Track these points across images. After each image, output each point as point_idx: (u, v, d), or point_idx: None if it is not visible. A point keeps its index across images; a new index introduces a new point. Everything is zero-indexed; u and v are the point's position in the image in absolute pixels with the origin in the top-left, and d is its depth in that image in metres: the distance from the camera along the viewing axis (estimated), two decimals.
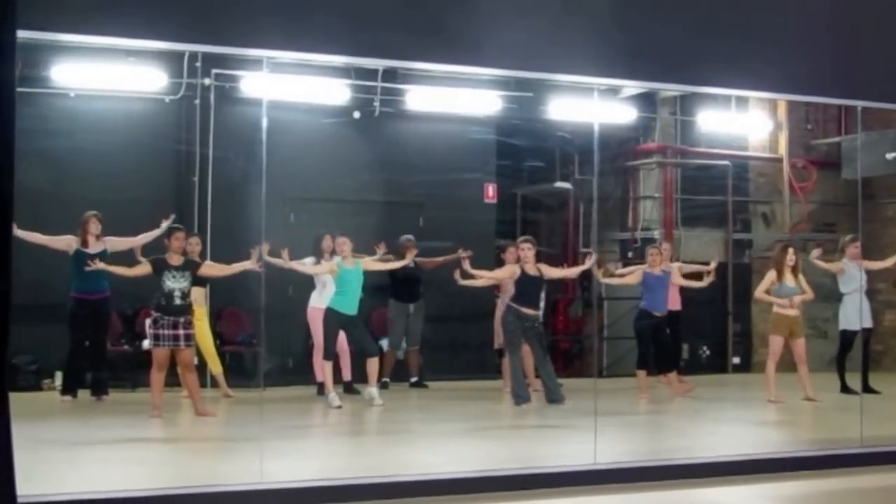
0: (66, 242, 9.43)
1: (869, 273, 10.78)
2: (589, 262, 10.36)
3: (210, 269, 9.24)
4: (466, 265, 10.03)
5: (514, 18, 6.39)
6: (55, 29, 5.53)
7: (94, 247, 9.45)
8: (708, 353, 13.94)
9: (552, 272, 10.12)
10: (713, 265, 11.14)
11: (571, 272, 11.03)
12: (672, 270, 10.88)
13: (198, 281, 9.15)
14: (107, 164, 10.70)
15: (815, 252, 10.68)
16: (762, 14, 7.05)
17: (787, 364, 10.52)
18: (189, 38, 6.06)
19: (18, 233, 7.85)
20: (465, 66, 7.14)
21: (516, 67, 6.78)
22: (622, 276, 10.97)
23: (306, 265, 9.93)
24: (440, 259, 11.03)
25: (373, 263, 9.84)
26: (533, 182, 14.20)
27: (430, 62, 6.91)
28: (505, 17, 6.36)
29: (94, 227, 9.47)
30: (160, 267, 8.69)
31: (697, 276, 11.19)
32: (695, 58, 6.96)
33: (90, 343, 9.73)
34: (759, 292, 10.72)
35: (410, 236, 11.19)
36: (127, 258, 9.39)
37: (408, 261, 10.31)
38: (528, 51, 6.45)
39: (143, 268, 8.81)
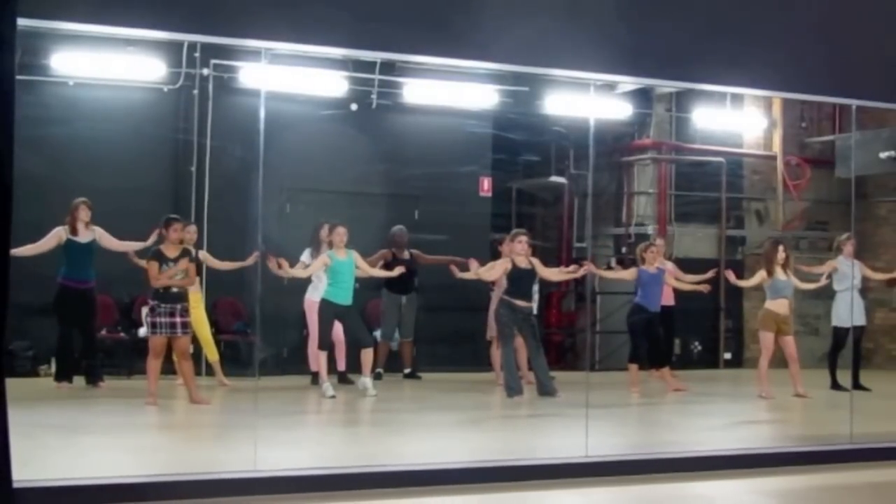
0: (56, 238, 9.39)
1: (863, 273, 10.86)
2: (582, 271, 10.36)
3: (206, 259, 9.33)
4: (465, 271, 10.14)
5: (517, 14, 6.42)
6: (55, 18, 5.54)
7: (83, 235, 9.47)
8: (700, 348, 14.00)
9: (544, 272, 10.14)
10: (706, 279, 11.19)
11: (562, 276, 10.78)
12: (667, 269, 10.90)
13: None
14: (105, 152, 10.73)
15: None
16: (759, 12, 7.08)
17: (779, 360, 10.56)
18: (189, 28, 6.08)
19: (14, 252, 7.87)
20: (465, 61, 7.18)
21: (518, 62, 6.79)
22: (619, 272, 10.91)
23: (303, 264, 9.98)
24: (436, 258, 11.08)
25: (365, 266, 9.88)
26: (528, 176, 14.24)
27: (430, 56, 6.91)
28: (507, 12, 6.38)
29: (84, 214, 9.47)
30: (158, 258, 8.75)
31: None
32: (692, 55, 6.99)
33: (80, 331, 9.74)
34: (746, 283, 10.90)
35: (402, 227, 11.23)
36: (119, 257, 9.53)
37: (395, 273, 10.28)
38: (530, 46, 6.47)
39: (152, 265, 8.80)
